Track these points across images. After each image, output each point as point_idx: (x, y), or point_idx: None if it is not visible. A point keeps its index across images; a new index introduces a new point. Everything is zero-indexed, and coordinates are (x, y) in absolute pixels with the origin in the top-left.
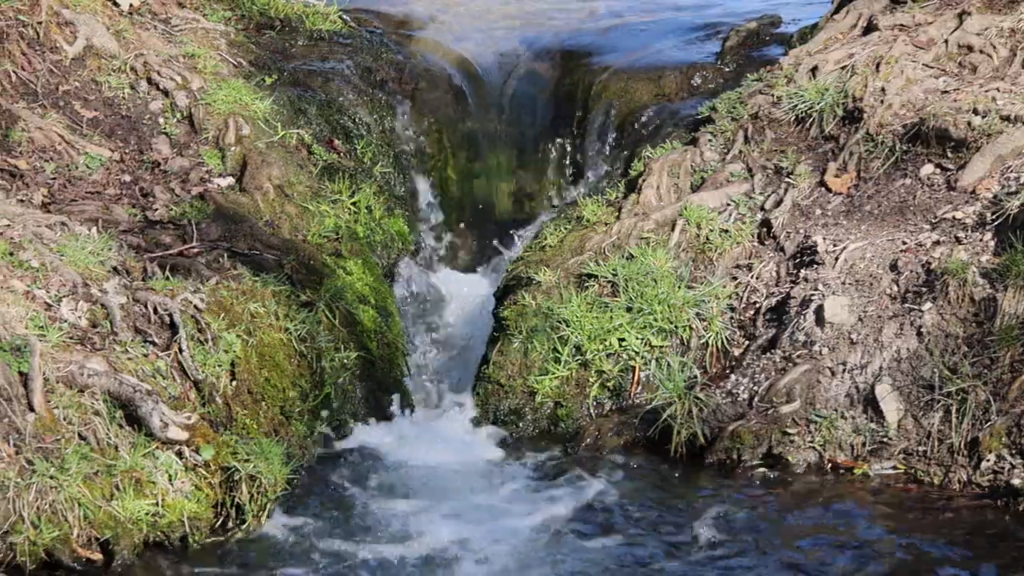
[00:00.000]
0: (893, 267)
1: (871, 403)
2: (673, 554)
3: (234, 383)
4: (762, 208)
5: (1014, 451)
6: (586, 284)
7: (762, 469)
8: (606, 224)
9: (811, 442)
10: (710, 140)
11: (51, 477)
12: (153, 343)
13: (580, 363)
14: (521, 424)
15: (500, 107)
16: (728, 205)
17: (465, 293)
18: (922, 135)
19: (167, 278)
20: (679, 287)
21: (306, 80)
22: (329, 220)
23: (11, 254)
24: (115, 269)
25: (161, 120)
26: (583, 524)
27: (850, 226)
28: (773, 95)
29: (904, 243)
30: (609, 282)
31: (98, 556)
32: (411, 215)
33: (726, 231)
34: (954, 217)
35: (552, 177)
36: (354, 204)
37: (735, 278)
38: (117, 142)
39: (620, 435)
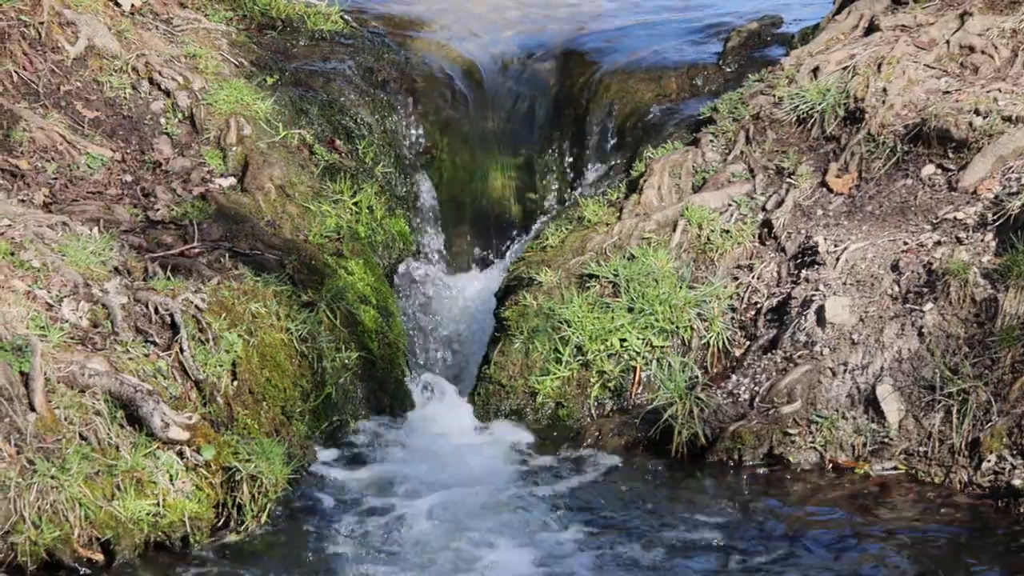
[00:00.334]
0: (894, 267)
1: (872, 403)
2: (675, 555)
3: (235, 383)
4: (763, 208)
5: (1015, 452)
6: (587, 284)
7: (763, 469)
8: (607, 224)
9: (812, 442)
10: (711, 140)
11: (52, 477)
12: (154, 343)
13: (581, 363)
14: (522, 424)
15: (501, 107)
16: (729, 205)
17: (466, 293)
18: (923, 135)
19: (168, 278)
20: (680, 287)
21: (308, 80)
22: (331, 220)
23: (12, 254)
24: (116, 269)
25: (163, 120)
26: (584, 524)
27: (851, 226)
28: (775, 95)
29: (905, 243)
30: (610, 282)
31: (99, 556)
32: (412, 215)
33: (727, 231)
34: (955, 217)
35: (553, 177)
36: (355, 204)
37: (736, 278)
38: (118, 142)
39: (621, 435)
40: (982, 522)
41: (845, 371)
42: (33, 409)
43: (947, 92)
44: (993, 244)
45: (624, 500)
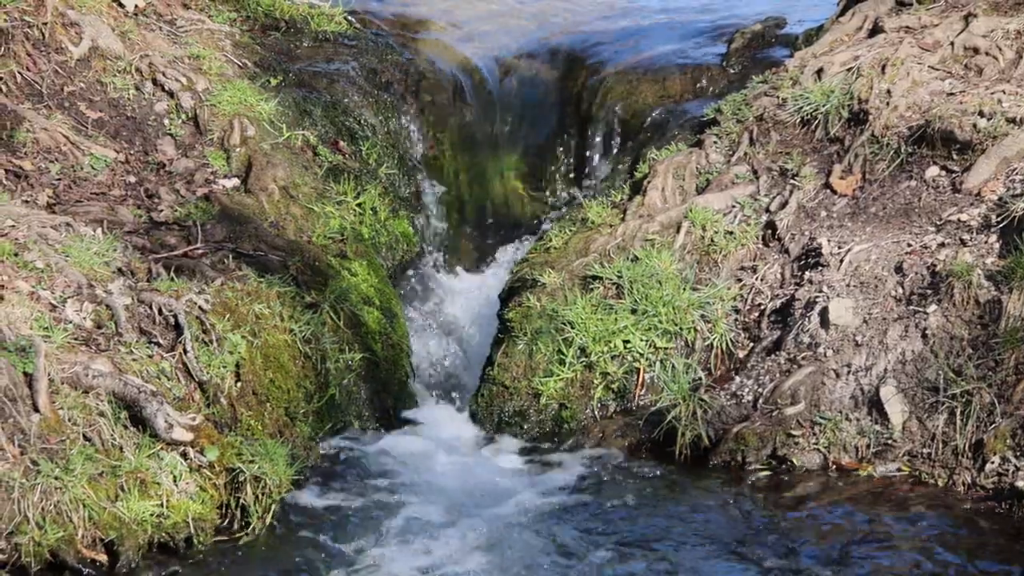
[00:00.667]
0: (898, 269)
1: (876, 405)
2: (678, 556)
3: (239, 384)
4: (767, 210)
5: (1019, 453)
6: (591, 286)
7: (766, 471)
8: (611, 226)
9: (816, 444)
10: (715, 142)
11: (56, 478)
12: (158, 344)
13: (585, 365)
14: (525, 426)
15: (505, 108)
16: (733, 207)
17: (469, 295)
18: (927, 137)
19: (172, 279)
20: (684, 289)
21: (311, 81)
22: (334, 221)
23: (16, 255)
24: (120, 270)
25: (166, 121)
26: (586, 526)
27: (855, 228)
28: (778, 97)
29: (909, 245)
30: (614, 284)
31: (103, 557)
32: (416, 216)
33: (731, 233)
34: (959, 219)
35: (557, 179)
36: (359, 205)
37: (740, 280)
38: (122, 143)
39: (624, 437)
40: (986, 524)
41: (849, 373)
42: (37, 410)
43: (951, 94)
44: (997, 246)
45: (627, 502)
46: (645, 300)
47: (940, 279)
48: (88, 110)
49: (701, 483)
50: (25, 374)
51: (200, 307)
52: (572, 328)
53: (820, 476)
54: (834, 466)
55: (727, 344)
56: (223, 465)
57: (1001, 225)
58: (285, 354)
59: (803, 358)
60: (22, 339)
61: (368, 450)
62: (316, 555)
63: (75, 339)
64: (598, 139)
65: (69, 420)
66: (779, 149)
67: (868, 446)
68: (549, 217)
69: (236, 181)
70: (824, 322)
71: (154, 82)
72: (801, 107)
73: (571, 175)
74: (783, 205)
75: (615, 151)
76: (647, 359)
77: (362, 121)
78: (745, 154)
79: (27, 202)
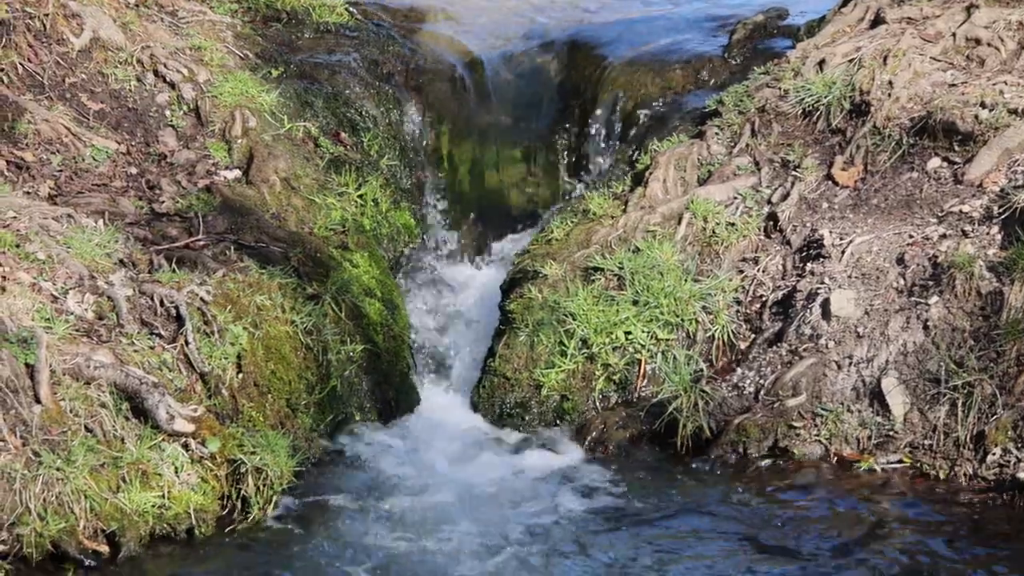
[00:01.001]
0: (900, 260)
1: (877, 396)
2: (680, 547)
3: (240, 375)
4: (769, 201)
5: (1020, 445)
6: (592, 277)
7: (768, 462)
8: (612, 217)
9: (817, 435)
10: (717, 133)
11: (57, 469)
12: (159, 335)
13: (586, 356)
14: (527, 417)
15: (506, 99)
16: (735, 198)
17: (471, 286)
18: (929, 128)
19: (173, 270)
20: (685, 280)
21: (312, 73)
22: (335, 213)
23: (17, 246)
24: (121, 261)
25: (167, 112)
26: (588, 517)
27: (857, 219)
28: (780, 88)
29: (911, 236)
30: (615, 275)
31: (104, 548)
32: (417, 208)
33: (732, 224)
34: (961, 211)
35: (558, 170)
36: (360, 197)
37: (741, 271)
38: (123, 134)
39: (626, 428)
40: (987, 515)
41: (850, 364)
42: (39, 401)
43: (953, 85)
44: (999, 237)
45: (629, 493)
46: (647, 291)
47: (942, 270)
48: (89, 101)
49: (702, 474)
50: (27, 365)
51: (201, 298)
52: (574, 319)
53: (821, 467)
54: (835, 458)
55: (729, 335)
56: (224, 456)
57: (1003, 216)
58: (287, 345)
59: (805, 349)
60: (24, 330)
61: (369, 441)
62: (317, 546)
63: (77, 330)
64: (599, 130)
65: (71, 411)
66: (781, 140)
67: (869, 437)
68: (550, 208)
69: (237, 172)
70: (826, 313)
71: (155, 73)
72: (803, 98)
73: (572, 166)
74: (785, 196)
75: (617, 142)
76: (649, 350)
77: (363, 112)
78: (747, 145)
79: (29, 193)
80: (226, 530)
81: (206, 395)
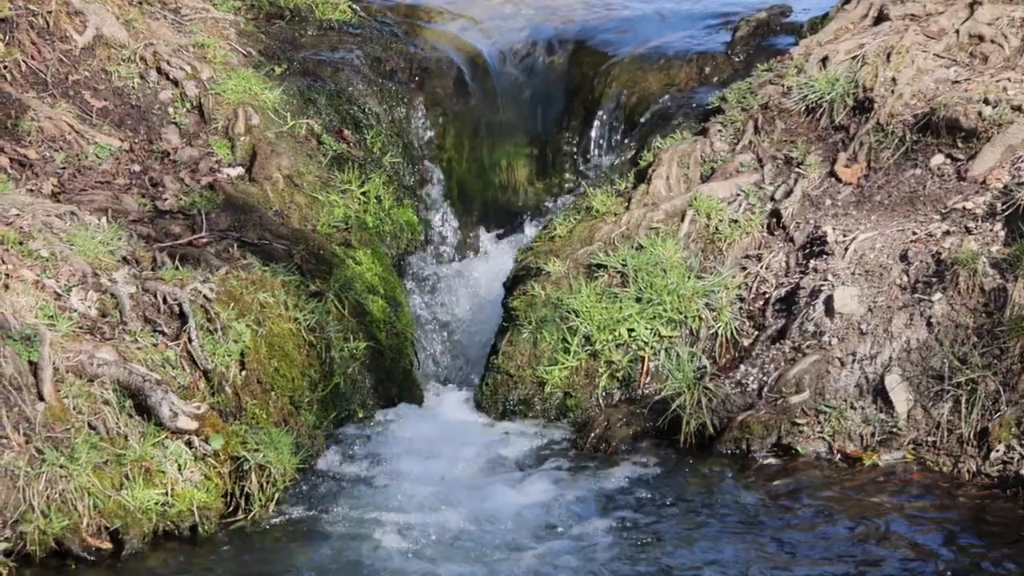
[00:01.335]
0: (903, 257)
1: (881, 393)
2: (683, 544)
3: (243, 373)
4: (772, 198)
5: (1023, 441)
6: (596, 274)
7: (771, 459)
8: (615, 214)
9: (820, 432)
10: (720, 130)
11: (61, 466)
12: (163, 333)
13: (589, 353)
14: (530, 414)
15: (510, 97)
16: (738, 195)
17: (474, 283)
18: (932, 125)
19: (177, 268)
20: (688, 277)
21: (316, 70)
22: (339, 210)
23: (21, 243)
24: (125, 259)
25: (171, 110)
26: (591, 515)
27: (860, 216)
28: (783, 85)
29: (914, 233)
30: (619, 272)
31: (108, 545)
32: (420, 205)
33: (736, 221)
34: (964, 207)
35: (561, 167)
36: (363, 194)
37: (744, 268)
38: (127, 132)
39: (629, 425)
40: (990, 512)
41: (853, 361)
42: (42, 398)
43: (956, 81)
44: (1002, 234)
45: (632, 490)
46: (650, 288)
47: (945, 267)
48: (93, 99)
49: (705, 471)
50: (30, 363)
51: (205, 296)
52: (577, 317)
53: (825, 464)
54: (839, 454)
55: (732, 332)
56: (228, 453)
57: (1006, 213)
58: (290, 343)
59: (808, 346)
60: (27, 328)
61: (372, 439)
62: (319, 543)
63: (80, 328)
64: (603, 127)
65: (74, 409)
66: (784, 137)
67: (873, 434)
68: (554, 205)
69: (240, 170)
70: (829, 310)
71: (158, 71)
72: (806, 95)
73: (575, 163)
74: (788, 193)
75: (620, 139)
76: (652, 348)
77: (367, 109)
78: (750, 142)
79: (32, 191)
80: (229, 527)
81: (209, 392)
